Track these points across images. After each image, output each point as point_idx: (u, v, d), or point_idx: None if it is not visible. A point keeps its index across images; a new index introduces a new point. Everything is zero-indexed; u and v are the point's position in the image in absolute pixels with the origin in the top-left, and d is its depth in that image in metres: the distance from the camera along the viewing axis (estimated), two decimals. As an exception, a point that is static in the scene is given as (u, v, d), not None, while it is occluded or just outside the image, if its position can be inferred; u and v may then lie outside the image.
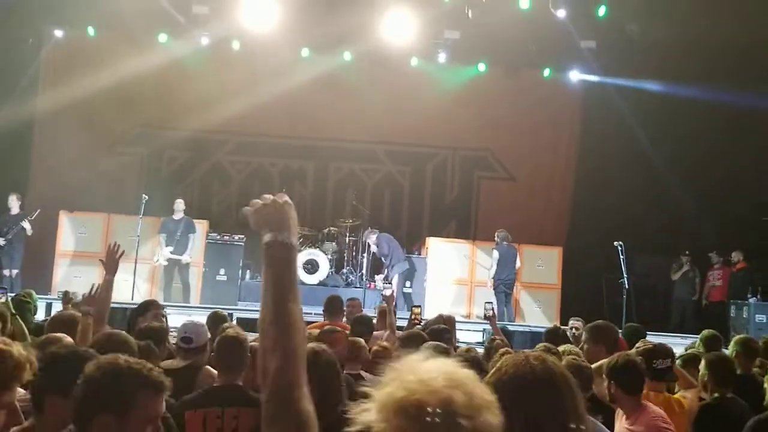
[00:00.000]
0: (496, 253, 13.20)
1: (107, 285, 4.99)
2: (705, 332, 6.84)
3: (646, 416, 4.02)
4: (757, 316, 12.54)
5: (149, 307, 6.20)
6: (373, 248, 14.08)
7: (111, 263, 5.01)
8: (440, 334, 5.78)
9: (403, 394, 1.48)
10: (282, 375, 1.78)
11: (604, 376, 4.23)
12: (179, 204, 13.22)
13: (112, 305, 6.32)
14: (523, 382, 2.09)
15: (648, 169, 14.84)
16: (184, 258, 12.97)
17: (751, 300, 12.88)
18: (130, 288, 11.96)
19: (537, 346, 5.63)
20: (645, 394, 4.39)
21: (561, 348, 5.59)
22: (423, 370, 1.53)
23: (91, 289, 4.99)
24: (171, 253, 12.87)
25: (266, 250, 1.97)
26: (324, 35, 14.78)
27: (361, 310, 8.57)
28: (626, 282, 11.75)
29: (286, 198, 2.06)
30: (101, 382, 2.28)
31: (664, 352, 4.86)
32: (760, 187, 14.19)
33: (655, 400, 4.42)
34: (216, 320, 6.52)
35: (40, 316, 8.14)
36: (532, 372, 2.12)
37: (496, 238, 13.29)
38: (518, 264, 13.27)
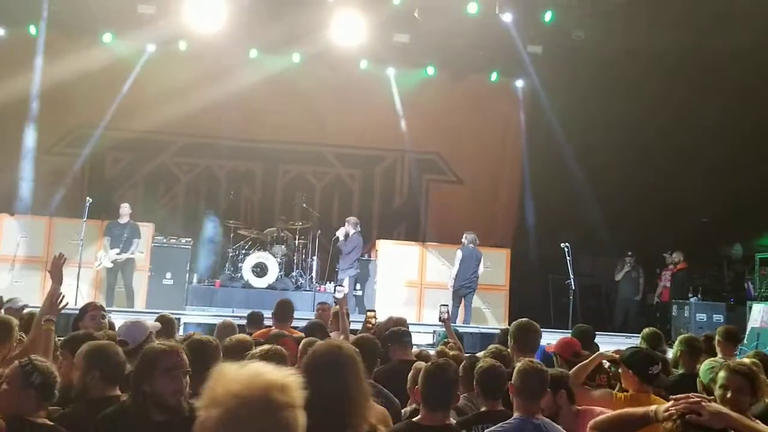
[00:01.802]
0: (459, 254, 13.21)
1: (52, 293, 4.83)
2: (646, 330, 6.94)
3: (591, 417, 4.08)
4: (697, 315, 12.86)
5: (86, 309, 6.06)
6: (341, 236, 13.80)
7: (57, 273, 4.90)
8: (400, 337, 5.76)
9: (229, 389, 1.77)
10: None
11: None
12: (125, 208, 12.93)
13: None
14: (317, 362, 2.85)
15: (591, 170, 15.11)
16: (132, 255, 12.68)
17: (692, 299, 13.22)
18: (73, 293, 11.66)
19: (489, 347, 5.68)
20: (634, 395, 4.49)
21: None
22: (245, 371, 1.82)
23: (48, 296, 4.88)
24: (117, 254, 12.58)
25: None
26: (272, 36, 14.65)
27: (330, 315, 8.47)
28: (572, 283, 11.92)
29: None
30: None
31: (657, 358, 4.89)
32: (700, 188, 14.59)
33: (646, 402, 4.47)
34: (164, 325, 6.43)
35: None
36: (325, 355, 2.87)
37: (463, 240, 13.31)
38: (481, 269, 13.21)
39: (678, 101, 14.22)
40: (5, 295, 8.49)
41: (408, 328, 6.42)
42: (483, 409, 4.34)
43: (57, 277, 4.86)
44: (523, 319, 5.64)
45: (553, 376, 4.15)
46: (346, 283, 13.65)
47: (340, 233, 13.79)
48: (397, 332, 5.90)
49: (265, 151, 16.34)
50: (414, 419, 3.72)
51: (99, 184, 14.79)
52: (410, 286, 13.95)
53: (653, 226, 14.77)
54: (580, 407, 4.22)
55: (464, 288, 13.13)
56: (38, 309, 5.61)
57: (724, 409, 2.65)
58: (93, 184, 14.74)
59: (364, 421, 2.85)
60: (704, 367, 4.77)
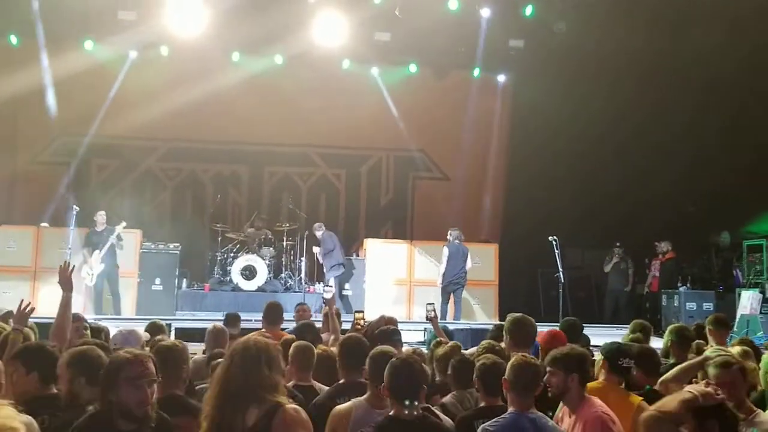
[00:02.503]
0: (446, 251, 13.22)
1: (65, 302, 5.03)
2: (634, 322, 7.01)
3: (588, 409, 4.09)
4: (687, 304, 12.91)
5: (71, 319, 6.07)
6: (316, 250, 14.12)
7: (65, 281, 5.06)
8: (389, 336, 5.76)
9: None
10: None
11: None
12: (100, 216, 12.80)
13: (42, 320, 6.24)
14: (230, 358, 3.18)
15: (576, 164, 15.20)
16: (111, 242, 12.52)
17: (681, 289, 13.27)
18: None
19: (481, 343, 5.70)
20: (603, 386, 4.53)
21: (503, 343, 5.67)
22: None
23: (20, 305, 4.96)
24: (100, 256, 12.47)
25: None
26: (254, 39, 14.64)
27: (310, 316, 8.47)
28: (561, 276, 11.97)
29: None
30: None
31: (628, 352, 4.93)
32: (686, 178, 14.69)
33: (616, 390, 4.51)
34: (154, 331, 6.44)
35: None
36: (239, 351, 3.18)
37: (448, 236, 13.35)
38: (469, 264, 13.23)
39: (658, 93, 14.32)
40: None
41: (398, 327, 6.43)
42: (482, 404, 4.37)
43: (67, 286, 5.05)
44: (518, 313, 5.65)
45: (570, 356, 4.17)
46: (332, 283, 13.68)
47: (316, 249, 14.18)
48: (386, 331, 5.91)
49: (250, 153, 16.32)
50: (390, 413, 3.76)
51: (85, 192, 14.70)
52: (399, 284, 13.96)
53: (641, 217, 14.84)
54: (586, 394, 4.23)
55: (453, 284, 13.15)
56: (35, 320, 5.65)
57: None
58: (79, 192, 14.64)
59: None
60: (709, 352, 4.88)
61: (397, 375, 3.73)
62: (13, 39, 14.40)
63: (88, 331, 6.22)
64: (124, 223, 12.66)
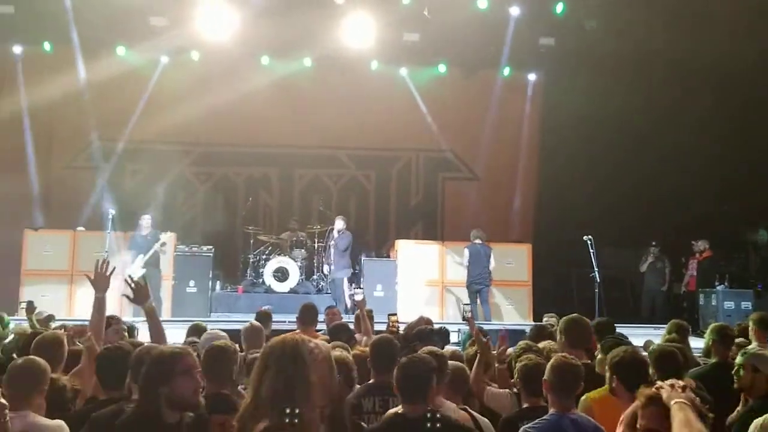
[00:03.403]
0: (466, 252, 13.23)
1: (98, 303, 4.95)
2: (671, 322, 6.89)
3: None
4: (725, 303, 12.68)
5: (110, 322, 6.12)
6: (334, 233, 13.79)
7: (99, 281, 4.94)
8: (430, 336, 5.76)
9: None
10: None
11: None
12: (146, 220, 13.00)
13: (79, 323, 6.35)
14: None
15: (611, 162, 15.04)
16: (154, 251, 12.68)
17: (719, 287, 13.04)
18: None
19: (518, 344, 5.66)
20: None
21: (541, 344, 5.63)
22: None
23: (97, 265, 4.95)
24: (143, 260, 12.64)
25: None
26: (283, 42, 14.74)
27: (341, 318, 8.49)
28: (597, 275, 11.85)
29: None
30: None
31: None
32: (723, 174, 14.47)
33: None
34: (198, 333, 6.51)
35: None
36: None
37: (471, 238, 13.33)
38: (492, 263, 13.18)
39: (694, 89, 14.10)
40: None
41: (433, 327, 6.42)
42: (525, 405, 4.34)
43: (99, 286, 4.91)
44: (573, 314, 5.56)
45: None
46: (345, 285, 13.64)
47: (338, 226, 13.77)
48: (425, 331, 5.90)
49: (280, 156, 16.41)
50: (399, 411, 3.80)
51: (120, 196, 14.87)
52: (431, 285, 13.90)
53: (676, 216, 14.63)
54: None
55: (475, 284, 13.11)
56: (66, 322, 5.73)
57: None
58: (114, 196, 14.82)
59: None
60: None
61: (404, 374, 3.80)
62: (47, 46, 14.62)
63: (128, 332, 6.34)
64: (168, 234, 12.91)
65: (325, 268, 14.48)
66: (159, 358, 3.50)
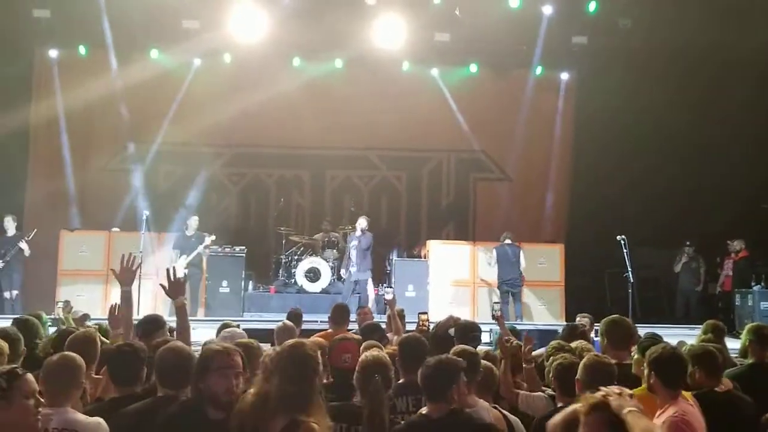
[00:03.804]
0: (494, 253, 13.24)
1: (125, 297, 5.09)
2: (708, 322, 6.78)
3: (669, 411, 3.98)
4: (762, 303, 12.44)
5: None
6: (357, 231, 13.35)
7: (125, 275, 5.07)
8: (466, 333, 5.77)
9: None
10: None
11: (644, 365, 4.20)
12: (193, 221, 13.20)
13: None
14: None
15: (644, 161, 14.89)
16: (198, 252, 12.90)
17: (756, 288, 12.82)
18: (135, 304, 11.85)
19: (550, 343, 5.63)
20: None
21: (573, 344, 5.59)
22: None
23: (112, 309, 5.06)
24: (186, 261, 12.81)
25: None
26: (314, 43, 14.82)
27: (372, 318, 8.50)
28: (630, 275, 11.73)
29: None
30: None
31: None
32: (759, 175, 14.24)
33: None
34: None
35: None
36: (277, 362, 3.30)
37: (500, 239, 13.30)
38: (522, 263, 13.10)
39: (730, 87, 13.89)
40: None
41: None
42: (560, 405, 4.31)
43: (125, 280, 5.08)
44: (613, 315, 5.52)
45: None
46: (370, 285, 13.55)
47: (361, 224, 13.31)
48: (465, 328, 5.91)
49: (312, 157, 16.46)
50: (423, 411, 3.81)
51: (154, 198, 15.05)
52: (462, 286, 13.87)
53: (711, 215, 14.41)
54: None
55: (505, 285, 13.08)
56: (101, 321, 5.80)
57: None
58: (148, 197, 15.01)
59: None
60: None
61: (426, 374, 3.82)
62: (83, 50, 14.86)
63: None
64: (213, 237, 13.04)
65: (343, 270, 14.11)
66: (201, 354, 3.59)
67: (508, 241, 13.17)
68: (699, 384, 4.67)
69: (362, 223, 13.43)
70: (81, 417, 3.64)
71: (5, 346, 4.50)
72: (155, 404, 3.68)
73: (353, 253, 13.44)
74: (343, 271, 14.12)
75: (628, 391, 2.59)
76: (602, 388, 2.62)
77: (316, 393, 3.26)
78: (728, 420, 4.40)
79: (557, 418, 2.75)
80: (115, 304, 5.24)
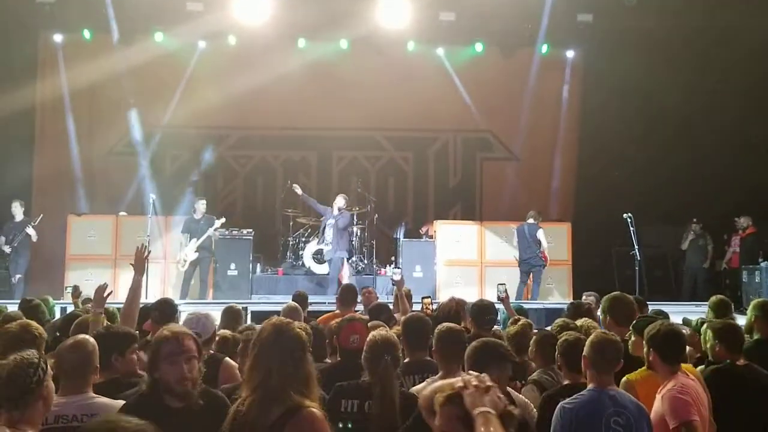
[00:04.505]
0: (514, 232, 13.24)
1: (136, 285, 5.23)
2: (713, 298, 6.76)
3: (668, 386, 4.03)
4: (769, 280, 12.50)
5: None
6: (335, 210, 13.24)
7: (140, 264, 5.30)
8: (482, 316, 5.86)
9: None
10: None
11: (644, 342, 4.24)
12: (201, 204, 13.17)
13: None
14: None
15: (651, 139, 14.83)
16: (208, 235, 12.89)
17: (763, 264, 12.79)
18: (143, 288, 11.92)
19: (556, 321, 5.65)
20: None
21: (579, 322, 5.61)
22: None
23: (100, 290, 5.21)
24: (196, 245, 12.85)
25: None
26: (319, 24, 14.72)
27: (377, 298, 8.54)
28: (637, 253, 11.71)
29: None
30: None
31: None
32: (765, 153, 14.16)
33: None
34: (231, 315, 6.55)
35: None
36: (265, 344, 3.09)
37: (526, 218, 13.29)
38: (543, 243, 12.88)
39: (733, 66, 13.79)
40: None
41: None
42: (566, 382, 4.33)
43: (140, 268, 5.30)
44: (615, 292, 5.58)
45: None
46: (346, 267, 13.54)
47: (339, 203, 13.22)
48: (481, 309, 6.00)
49: (318, 138, 16.45)
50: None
51: (160, 181, 15.09)
52: (470, 266, 13.89)
53: (717, 192, 14.34)
54: None
55: (525, 264, 13.03)
56: (109, 305, 5.86)
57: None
58: (155, 181, 15.05)
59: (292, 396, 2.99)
60: None
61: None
62: (87, 34, 14.84)
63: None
64: (223, 219, 13.08)
65: (319, 247, 13.88)
66: (152, 342, 3.51)
67: (530, 221, 13.08)
68: (720, 358, 4.75)
69: (340, 201, 13.31)
70: (102, 401, 3.61)
71: (41, 331, 4.45)
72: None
73: (329, 232, 13.35)
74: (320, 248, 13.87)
75: (487, 381, 2.41)
76: (471, 374, 2.46)
77: (311, 374, 3.09)
78: (749, 392, 4.52)
79: (428, 389, 2.59)
80: (104, 284, 5.34)
